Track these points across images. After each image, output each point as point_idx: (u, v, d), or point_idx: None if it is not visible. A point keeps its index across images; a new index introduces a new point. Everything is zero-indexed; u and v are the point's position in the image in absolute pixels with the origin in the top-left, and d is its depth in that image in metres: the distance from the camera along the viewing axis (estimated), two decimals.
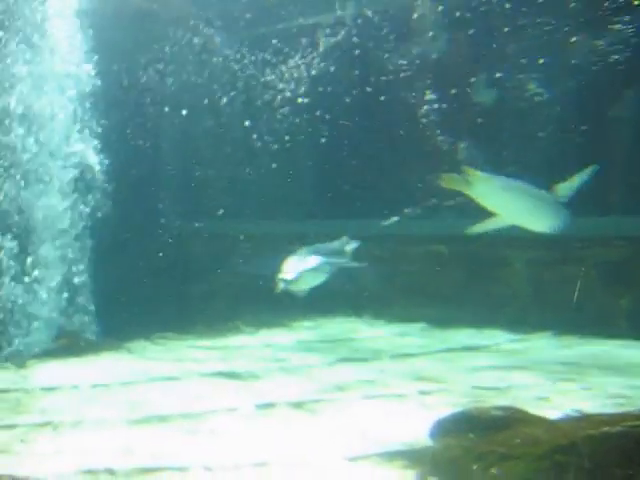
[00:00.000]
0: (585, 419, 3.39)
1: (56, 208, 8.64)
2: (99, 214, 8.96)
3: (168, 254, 10.38)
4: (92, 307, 8.54)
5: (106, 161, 9.07)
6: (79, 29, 8.83)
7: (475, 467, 3.01)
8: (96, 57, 8.91)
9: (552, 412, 3.88)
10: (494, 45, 8.22)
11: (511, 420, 3.45)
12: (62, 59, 8.77)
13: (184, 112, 10.67)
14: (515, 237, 7.20)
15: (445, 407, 4.54)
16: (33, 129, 8.48)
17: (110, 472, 3.78)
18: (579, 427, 3.06)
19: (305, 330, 8.14)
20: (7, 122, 8.32)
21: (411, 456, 3.80)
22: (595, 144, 7.20)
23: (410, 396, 5.04)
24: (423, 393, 5.08)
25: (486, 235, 6.74)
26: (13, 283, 7.99)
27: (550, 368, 5.73)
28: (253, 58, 10.20)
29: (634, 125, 7.37)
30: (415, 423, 4.41)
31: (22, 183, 8.38)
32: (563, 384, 5.15)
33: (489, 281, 7.75)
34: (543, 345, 6.72)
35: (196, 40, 10.52)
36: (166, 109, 10.75)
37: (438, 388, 5.23)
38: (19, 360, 6.54)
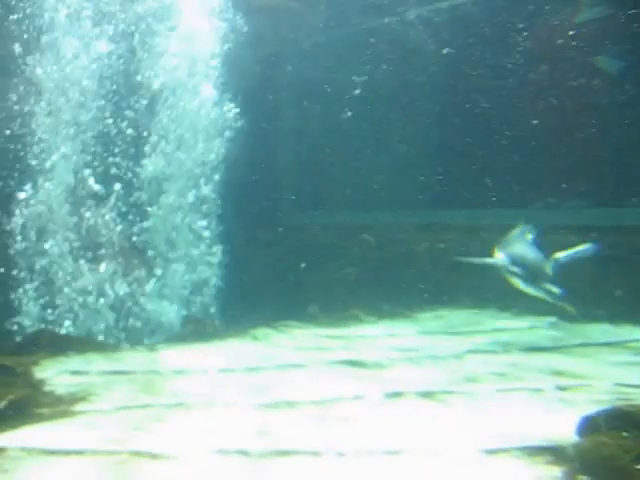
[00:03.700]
0: None
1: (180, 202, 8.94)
2: (219, 206, 9.16)
3: (287, 244, 10.46)
4: (217, 295, 8.73)
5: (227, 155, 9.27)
6: None
7: (636, 467, 2.77)
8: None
9: None
10: None
11: None
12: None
13: (304, 105, 10.74)
14: None
15: (587, 404, 4.29)
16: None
17: (244, 453, 3.77)
18: None
19: (427, 321, 7.95)
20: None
21: (555, 452, 3.59)
22: None
23: (547, 391, 4.79)
24: (561, 388, 4.82)
25: None
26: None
27: None
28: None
29: None
30: (555, 418, 4.19)
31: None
32: None
33: (629, 274, 7.29)
34: None
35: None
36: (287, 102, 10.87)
37: (577, 384, 4.94)
38: (150, 344, 6.71)
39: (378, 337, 7.09)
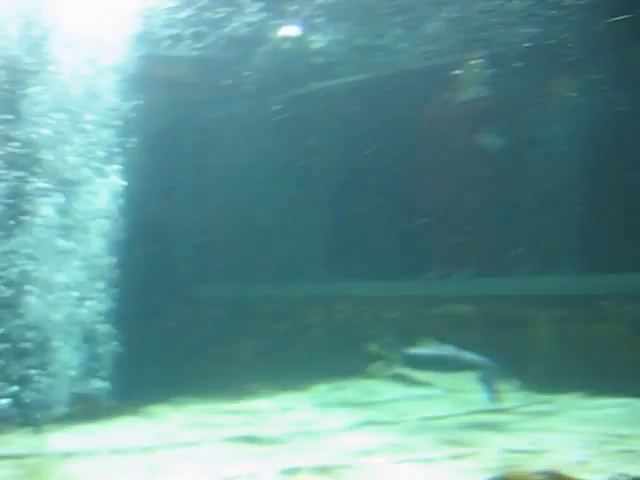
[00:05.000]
0: None
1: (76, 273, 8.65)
2: (113, 275, 8.94)
3: (184, 316, 10.32)
4: (109, 371, 8.42)
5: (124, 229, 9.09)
6: None
7: None
8: None
9: (595, 476, 3.72)
10: None
11: None
12: None
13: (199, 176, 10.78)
14: (541, 296, 7.15)
15: (480, 472, 4.38)
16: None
17: None
18: None
19: (324, 393, 7.98)
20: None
21: None
22: None
23: (441, 460, 4.86)
24: (454, 457, 4.91)
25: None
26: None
27: (585, 429, 5.56)
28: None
29: None
30: None
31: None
32: (602, 446, 4.97)
33: (512, 340, 7.60)
34: (574, 406, 6.54)
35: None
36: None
37: (469, 452, 5.05)
38: (36, 425, 6.40)
39: (274, 411, 7.04)
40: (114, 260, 8.87)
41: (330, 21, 9.17)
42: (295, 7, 8.71)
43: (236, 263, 10.43)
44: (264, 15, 8.72)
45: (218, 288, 10.51)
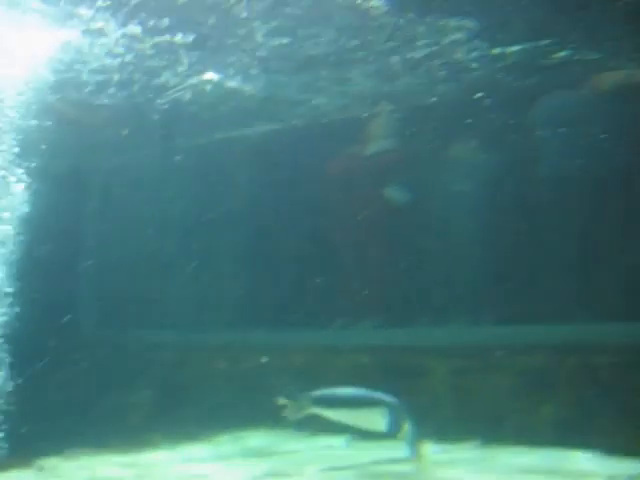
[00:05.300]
0: None
1: None
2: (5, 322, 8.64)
3: (82, 365, 10.01)
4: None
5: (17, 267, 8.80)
6: None
7: None
8: None
9: None
10: None
11: None
12: None
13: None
14: (439, 347, 7.34)
15: None
16: None
17: None
18: None
19: (226, 444, 7.88)
20: None
21: None
22: None
23: None
24: None
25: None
26: None
27: (479, 478, 5.69)
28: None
29: None
30: None
31: None
32: None
33: (412, 390, 7.72)
34: (470, 455, 6.68)
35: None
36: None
37: None
38: None
39: (173, 463, 6.91)
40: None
41: (249, 71, 9.24)
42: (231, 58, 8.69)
43: (140, 309, 10.24)
44: (196, 67, 8.72)
45: (120, 334, 10.28)
